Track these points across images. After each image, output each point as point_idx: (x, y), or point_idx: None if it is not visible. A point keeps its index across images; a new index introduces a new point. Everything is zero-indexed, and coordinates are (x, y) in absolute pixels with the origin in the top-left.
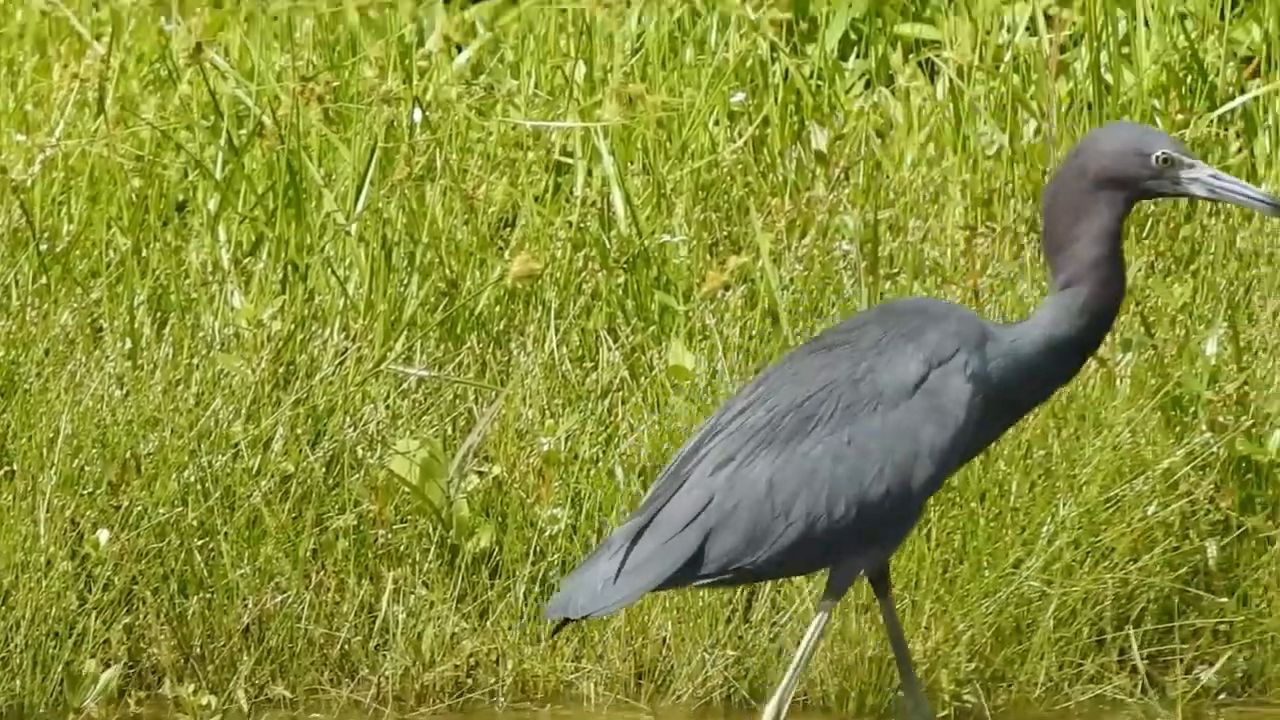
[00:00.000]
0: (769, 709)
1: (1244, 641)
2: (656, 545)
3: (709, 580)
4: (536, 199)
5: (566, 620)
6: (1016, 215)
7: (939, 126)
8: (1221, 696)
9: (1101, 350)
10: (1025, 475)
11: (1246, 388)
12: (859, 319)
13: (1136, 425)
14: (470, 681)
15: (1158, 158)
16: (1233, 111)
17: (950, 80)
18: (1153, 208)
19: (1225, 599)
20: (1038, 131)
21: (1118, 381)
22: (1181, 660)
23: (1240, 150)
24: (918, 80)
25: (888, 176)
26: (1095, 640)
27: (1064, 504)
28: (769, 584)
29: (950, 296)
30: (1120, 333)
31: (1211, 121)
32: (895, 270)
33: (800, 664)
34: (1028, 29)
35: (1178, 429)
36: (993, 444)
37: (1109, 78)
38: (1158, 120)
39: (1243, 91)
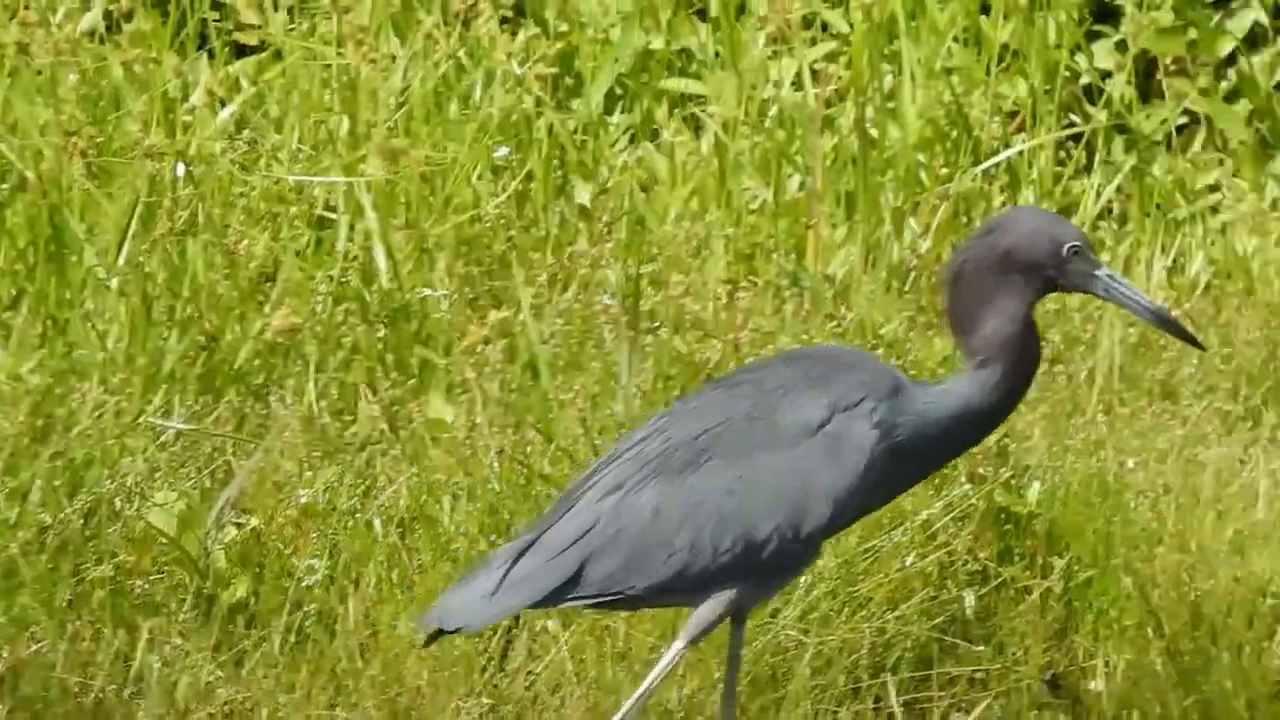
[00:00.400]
0: None
1: (999, 689)
2: (537, 564)
3: (586, 602)
4: (298, 253)
5: (441, 632)
6: (779, 269)
7: (703, 181)
8: None
9: None
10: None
11: (1006, 439)
12: (769, 360)
13: None
14: None
15: (1069, 249)
16: (997, 166)
17: (715, 135)
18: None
19: (982, 647)
20: (802, 186)
21: None
22: (938, 708)
23: (1003, 204)
24: (682, 135)
25: (651, 231)
26: (852, 688)
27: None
28: (525, 633)
29: (710, 350)
30: None
31: (976, 176)
32: (656, 324)
33: (642, 696)
34: (793, 84)
35: (937, 480)
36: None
37: (874, 132)
38: (923, 175)
39: (1007, 146)
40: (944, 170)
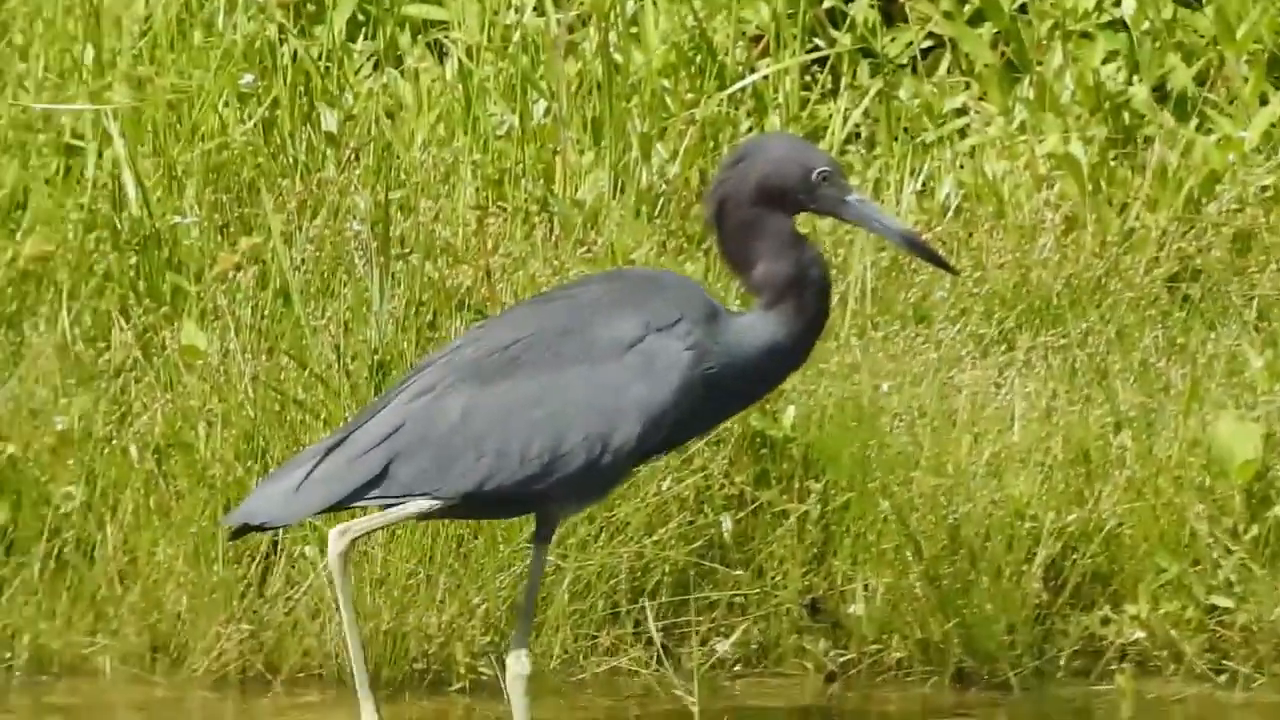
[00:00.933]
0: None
1: (758, 614)
2: (343, 462)
3: (390, 501)
4: (47, 181)
5: (247, 528)
6: (528, 195)
7: (449, 107)
8: (737, 668)
9: None
10: None
11: None
12: (588, 279)
13: None
14: None
15: (819, 174)
16: (743, 90)
17: (459, 61)
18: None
19: (740, 572)
20: (547, 112)
21: None
22: (697, 632)
23: (750, 129)
24: (427, 61)
25: (398, 157)
26: (611, 613)
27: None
28: (284, 559)
29: (461, 276)
30: None
31: (722, 101)
32: (407, 250)
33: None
34: (536, 9)
35: None
36: (708, 432)
37: (619, 58)
38: (668, 100)
39: (752, 70)
40: (690, 95)
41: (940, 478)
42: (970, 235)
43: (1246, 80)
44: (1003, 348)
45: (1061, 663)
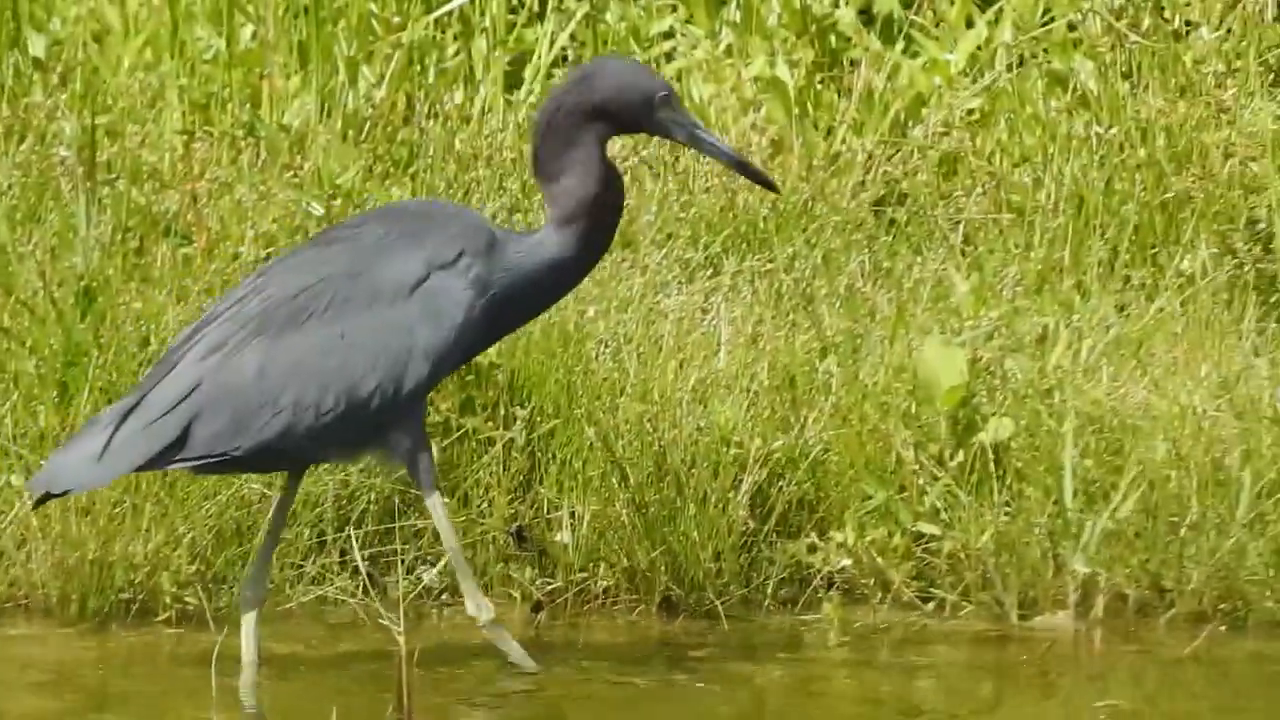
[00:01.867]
0: (471, 608)
1: (465, 542)
2: (140, 427)
3: (194, 464)
4: None
5: (49, 495)
6: (234, 120)
7: (156, 31)
8: (444, 596)
9: None
10: None
11: None
12: (363, 217)
13: None
14: None
15: (659, 98)
16: (450, 14)
17: None
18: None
19: (446, 499)
20: (254, 36)
21: None
22: (403, 561)
23: (457, 53)
24: None
25: (105, 82)
26: (317, 542)
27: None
28: None
29: (168, 201)
30: None
31: (428, 24)
32: (114, 176)
33: (456, 554)
34: None
35: None
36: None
37: None
38: (375, 24)
39: None
40: (396, 19)
41: (646, 404)
42: (676, 159)
43: (952, 3)
44: (709, 273)
45: (769, 591)
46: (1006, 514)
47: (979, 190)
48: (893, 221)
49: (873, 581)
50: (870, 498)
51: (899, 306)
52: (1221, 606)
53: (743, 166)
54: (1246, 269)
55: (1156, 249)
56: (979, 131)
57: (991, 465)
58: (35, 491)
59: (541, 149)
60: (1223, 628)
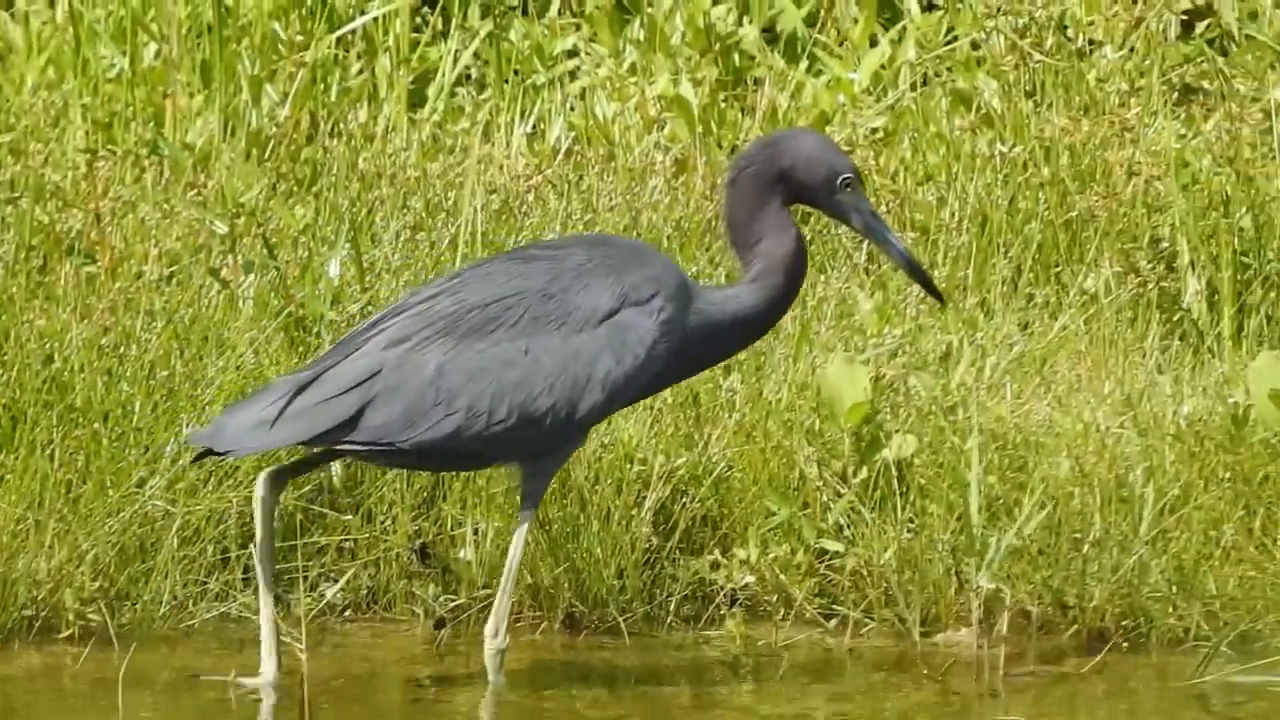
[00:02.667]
0: (489, 628)
1: (368, 558)
2: (314, 402)
3: (358, 448)
4: None
5: (210, 452)
6: (137, 138)
7: (59, 50)
8: (346, 613)
9: (225, 272)
10: (148, 396)
11: (370, 308)
12: (570, 240)
13: (260, 345)
14: None
15: (843, 180)
16: (353, 32)
17: (70, 3)
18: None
19: (349, 517)
20: (158, 54)
21: (240, 303)
22: (306, 578)
23: (361, 71)
24: (37, 4)
25: (8, 100)
26: (221, 559)
27: (188, 423)
28: None
29: (71, 220)
30: (242, 254)
31: (331, 43)
32: (17, 195)
33: (510, 577)
34: None
35: (301, 349)
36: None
37: (229, 0)
38: (279, 42)
39: (363, 12)
40: (300, 38)
41: None
42: (581, 178)
43: (856, 22)
44: None
45: (671, 608)
46: (910, 530)
47: (883, 209)
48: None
49: (775, 598)
50: (773, 514)
51: (803, 324)
52: (1124, 623)
53: (913, 268)
54: (1150, 287)
55: (1060, 267)
56: (883, 150)
57: (895, 482)
58: (198, 445)
59: (732, 213)
60: (1125, 644)
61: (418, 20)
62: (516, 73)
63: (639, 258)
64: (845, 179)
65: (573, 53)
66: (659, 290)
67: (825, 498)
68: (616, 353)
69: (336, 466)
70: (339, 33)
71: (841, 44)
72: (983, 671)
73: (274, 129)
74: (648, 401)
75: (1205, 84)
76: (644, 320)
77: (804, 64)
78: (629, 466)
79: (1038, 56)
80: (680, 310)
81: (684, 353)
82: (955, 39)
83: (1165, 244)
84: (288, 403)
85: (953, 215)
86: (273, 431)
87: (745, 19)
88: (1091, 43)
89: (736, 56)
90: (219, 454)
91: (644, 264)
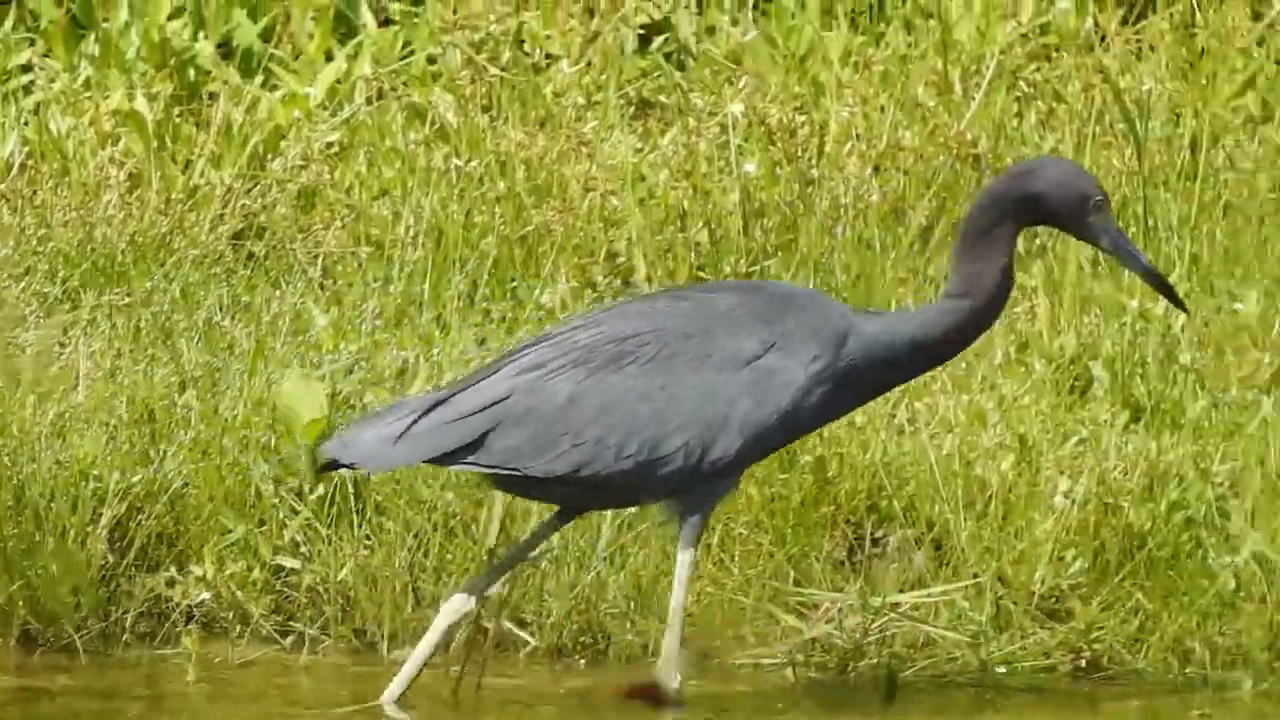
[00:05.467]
0: (661, 667)
1: None
2: (442, 421)
3: (486, 470)
4: None
5: (336, 465)
6: None
7: None
8: None
9: None
10: None
11: None
12: (725, 284)
13: None
14: None
15: (1094, 202)
16: None
17: None
18: None
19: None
20: None
21: None
22: None
23: None
24: None
25: None
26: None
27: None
28: None
29: None
30: None
31: None
32: None
33: (678, 614)
34: None
35: None
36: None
37: None
38: None
39: None
40: None
41: (4, 438)
42: (35, 193)
43: (312, 37)
44: (67, 306)
45: (128, 625)
46: (367, 547)
47: (338, 223)
48: (251, 255)
49: (232, 615)
50: (230, 531)
51: (258, 340)
52: (582, 640)
53: (1159, 282)
54: (606, 302)
55: (516, 282)
56: (338, 164)
57: (351, 499)
58: (326, 457)
59: (967, 230)
60: (583, 662)
61: None
62: None
63: (792, 304)
64: (1097, 201)
65: (27, 68)
66: (816, 342)
67: (282, 514)
68: (757, 397)
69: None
70: None
71: (297, 58)
72: (441, 689)
73: None
74: (103, 418)
75: (663, 98)
76: (792, 367)
77: (259, 78)
78: (84, 484)
79: (494, 71)
80: (837, 354)
81: (850, 387)
82: (412, 54)
83: (622, 258)
84: (415, 420)
85: (408, 230)
86: (399, 448)
87: (200, 33)
88: (549, 56)
89: (192, 71)
90: (345, 467)
91: (797, 310)
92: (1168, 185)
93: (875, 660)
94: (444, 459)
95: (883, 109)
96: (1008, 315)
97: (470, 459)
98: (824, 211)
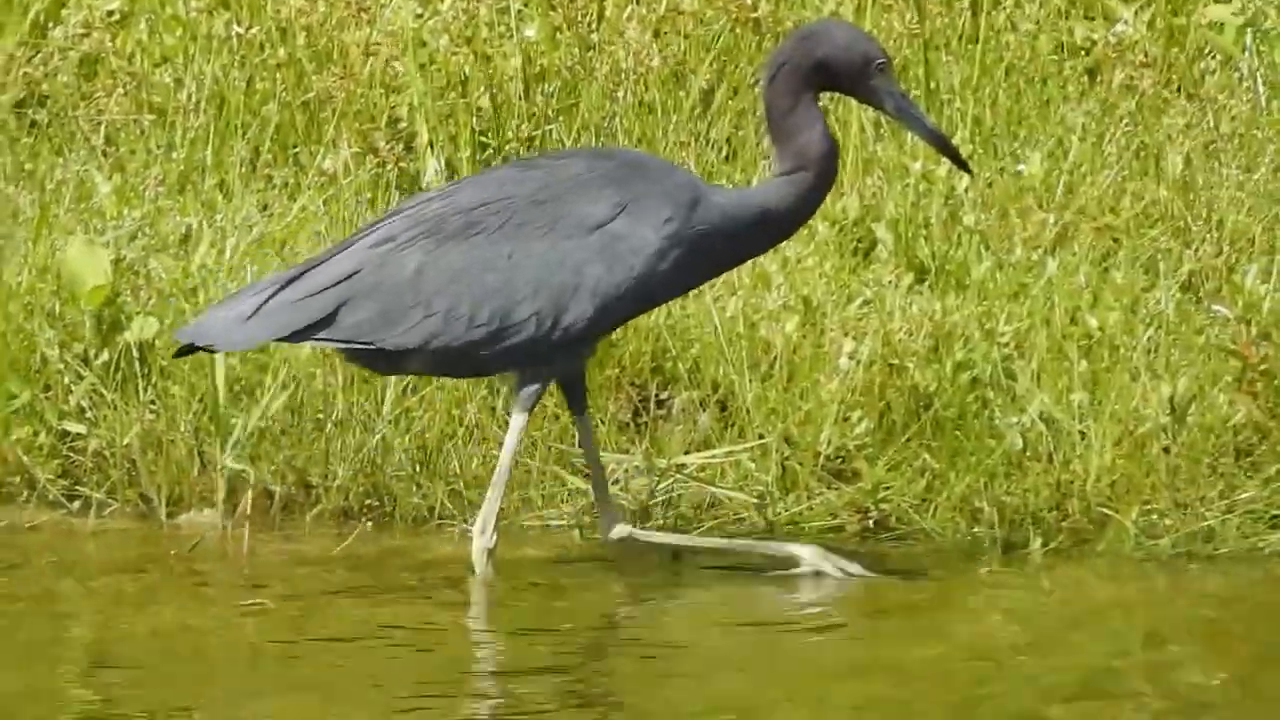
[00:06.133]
0: (478, 526)
1: None
2: (293, 299)
3: (339, 345)
4: None
5: (193, 347)
6: None
7: None
8: None
9: None
10: None
11: None
12: (576, 152)
13: None
14: None
15: (877, 64)
16: None
17: None
18: None
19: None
20: None
21: None
22: None
23: None
24: None
25: None
26: None
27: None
28: None
29: None
30: None
31: None
32: None
33: (503, 476)
34: None
35: None
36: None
37: None
38: None
39: None
40: None
41: None
42: None
43: None
44: None
45: None
46: (153, 412)
47: (120, 91)
48: (34, 123)
49: (19, 480)
50: (15, 397)
51: (42, 207)
52: (368, 503)
53: (943, 144)
54: (389, 168)
55: (298, 148)
56: (120, 32)
57: (137, 364)
58: (180, 341)
59: (771, 108)
60: (369, 524)
61: None
62: None
63: (646, 173)
64: (880, 63)
65: None
66: (670, 205)
67: (67, 380)
68: (608, 262)
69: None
70: None
71: None
72: (228, 551)
73: None
74: None
75: None
76: (644, 231)
77: None
78: None
79: None
80: (689, 218)
81: (703, 255)
82: None
83: (404, 124)
84: (268, 299)
85: (190, 97)
86: (251, 326)
87: None
88: None
89: None
90: (200, 349)
91: (651, 179)
92: (949, 48)
93: (661, 521)
94: (296, 336)
95: None
96: None
97: (323, 335)
98: (605, 76)
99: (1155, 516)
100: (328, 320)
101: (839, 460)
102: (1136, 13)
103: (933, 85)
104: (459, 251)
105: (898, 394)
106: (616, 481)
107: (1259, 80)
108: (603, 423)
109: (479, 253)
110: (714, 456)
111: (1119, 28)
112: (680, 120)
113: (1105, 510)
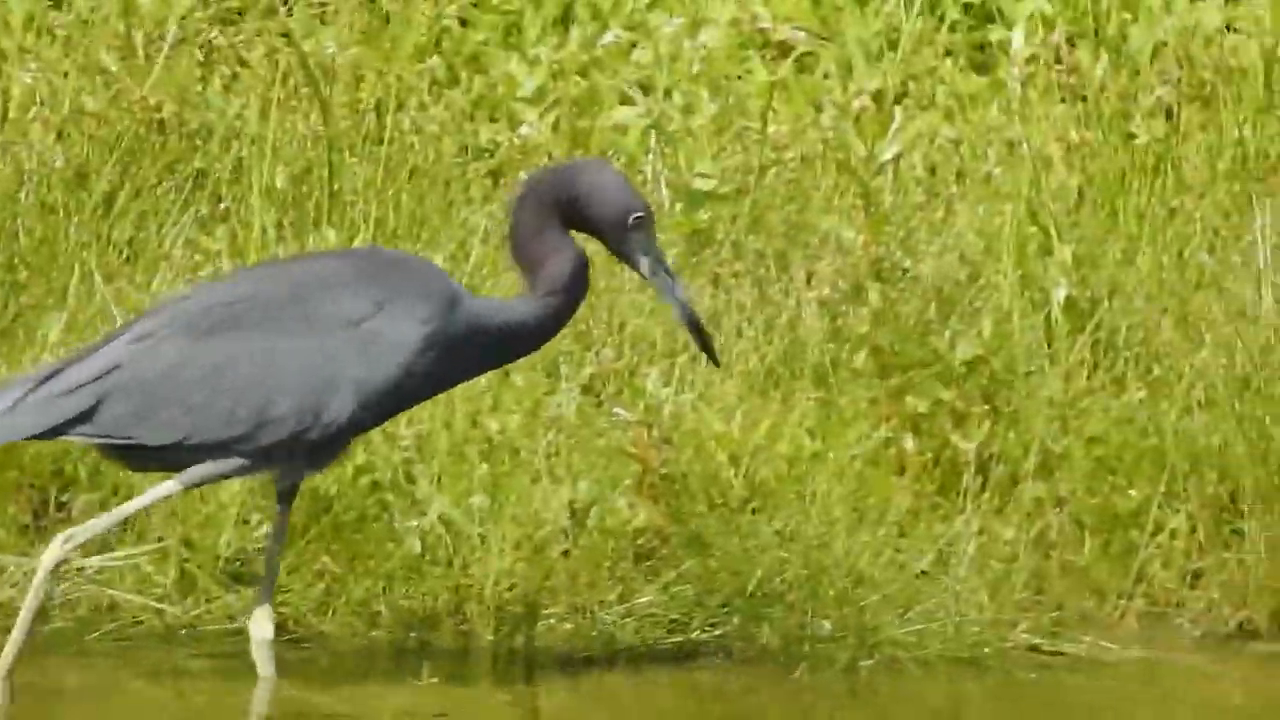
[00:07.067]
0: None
1: None
2: (51, 395)
3: (99, 441)
4: None
5: None
6: None
7: None
8: None
9: None
10: None
11: None
12: (335, 252)
13: None
14: None
15: (635, 218)
16: None
17: None
18: None
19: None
20: None
21: None
22: None
23: None
24: None
25: None
26: None
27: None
28: None
29: None
30: None
31: None
32: None
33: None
34: None
35: None
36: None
37: None
38: None
39: None
40: None
41: None
42: None
43: None
44: None
45: None
46: None
47: None
48: None
49: None
50: None
51: None
52: None
53: (693, 322)
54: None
55: None
56: None
57: None
58: None
59: (516, 237)
60: None
61: None
62: None
63: (406, 270)
64: (638, 217)
65: None
66: (430, 302)
67: None
68: (367, 360)
69: None
70: None
71: None
72: None
73: None
74: None
75: None
76: (409, 329)
77: None
78: None
79: None
80: (447, 320)
81: (459, 358)
82: None
83: None
84: (26, 394)
85: None
86: (7, 421)
87: None
88: None
89: None
90: None
91: (413, 277)
92: (354, 150)
93: (60, 623)
94: (54, 431)
95: (66, 74)
96: None
97: (82, 429)
98: (7, 178)
99: (554, 621)
100: (86, 416)
101: (239, 563)
102: (541, 115)
103: (336, 187)
104: (217, 346)
105: (298, 497)
106: (15, 585)
107: (662, 183)
108: (2, 525)
109: (236, 346)
110: (113, 560)
111: (524, 130)
112: (82, 220)
113: (504, 613)
